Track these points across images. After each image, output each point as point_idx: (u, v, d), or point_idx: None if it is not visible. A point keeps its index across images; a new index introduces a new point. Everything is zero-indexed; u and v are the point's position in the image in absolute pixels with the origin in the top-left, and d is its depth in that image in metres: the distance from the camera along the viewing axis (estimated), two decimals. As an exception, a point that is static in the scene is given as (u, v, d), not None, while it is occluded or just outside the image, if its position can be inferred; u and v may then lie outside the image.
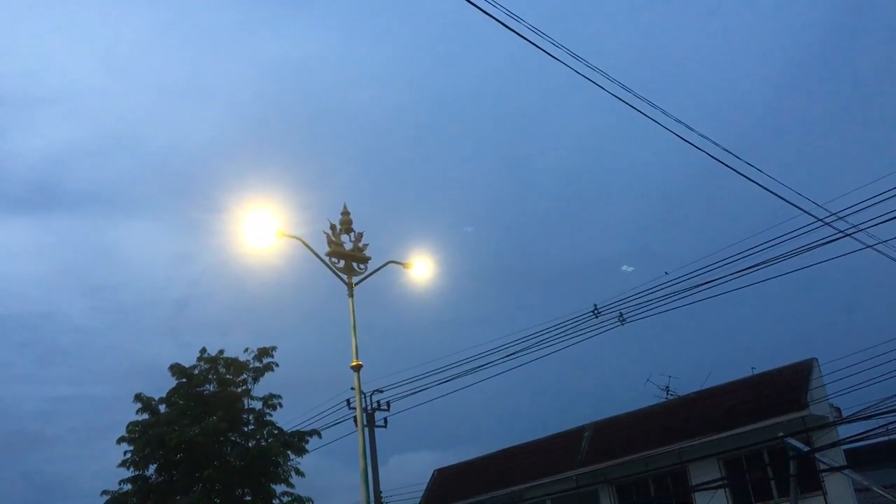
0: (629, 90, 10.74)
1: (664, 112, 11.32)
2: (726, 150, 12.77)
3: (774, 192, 13.54)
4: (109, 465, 24.07)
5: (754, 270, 17.87)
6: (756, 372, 24.99)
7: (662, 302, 19.79)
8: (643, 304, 20.27)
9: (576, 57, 10.03)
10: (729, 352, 57.61)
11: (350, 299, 14.72)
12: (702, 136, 12.04)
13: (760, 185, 13.41)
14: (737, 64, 75.32)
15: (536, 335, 22.12)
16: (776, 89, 72.25)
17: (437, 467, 32.99)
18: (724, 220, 64.00)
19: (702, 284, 18.90)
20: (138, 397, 24.04)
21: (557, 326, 21.79)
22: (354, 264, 15.02)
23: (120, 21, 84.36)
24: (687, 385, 28.90)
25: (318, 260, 14.69)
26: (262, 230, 14.13)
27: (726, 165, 12.76)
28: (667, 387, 29.42)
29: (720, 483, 22.93)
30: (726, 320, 59.64)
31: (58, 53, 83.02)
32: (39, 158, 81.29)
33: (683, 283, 19.25)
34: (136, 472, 23.33)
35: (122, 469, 23.37)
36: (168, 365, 24.23)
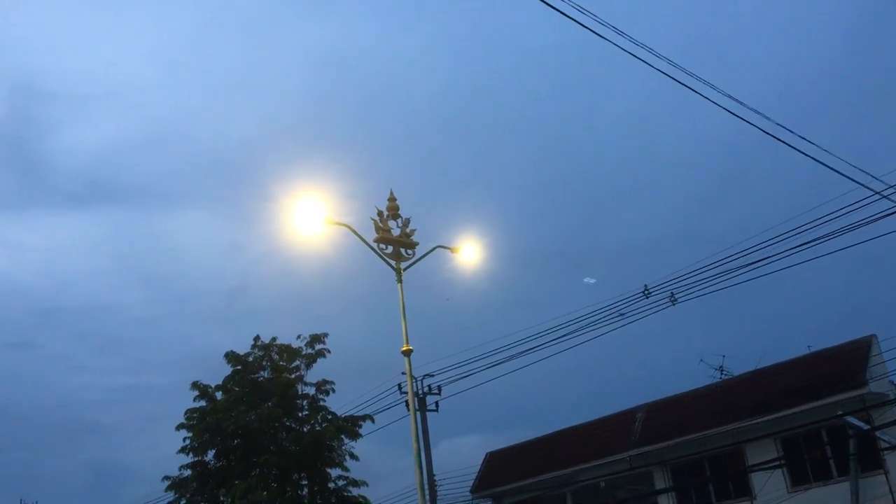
0: (677, 65, 10.54)
1: (713, 87, 11.09)
2: (778, 124, 12.46)
3: (829, 165, 13.18)
4: (167, 452, 24.73)
5: (809, 247, 17.50)
6: (813, 350, 24.50)
7: (715, 281, 19.51)
8: (695, 284, 20.01)
9: (621, 33, 9.87)
10: (784, 330, 56.50)
11: (399, 285, 14.79)
12: (752, 110, 11.77)
13: (814, 159, 13.07)
14: (789, 32, 73.31)
15: (587, 317, 22.00)
16: (831, 58, 70.15)
17: (489, 450, 33.11)
18: (778, 195, 62.60)
19: (755, 262, 18.57)
20: (195, 385, 24.54)
21: (608, 308, 21.64)
22: (402, 250, 15.09)
23: (166, 15, 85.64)
24: (741, 365, 28.43)
25: (366, 246, 14.79)
26: (312, 218, 14.25)
27: (778, 139, 12.47)
28: (720, 367, 29.00)
29: (777, 463, 22.58)
30: (781, 298, 58.36)
31: (108, 50, 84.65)
32: (93, 153, 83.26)
33: (736, 261, 18.95)
34: (196, 458, 23.88)
35: (182, 455, 23.98)
36: (223, 353, 24.73)
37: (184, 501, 23.97)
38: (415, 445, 14.10)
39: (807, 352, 24.63)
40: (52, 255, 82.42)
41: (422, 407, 28.11)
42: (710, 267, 19.58)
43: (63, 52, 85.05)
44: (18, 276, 78.46)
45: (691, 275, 20.05)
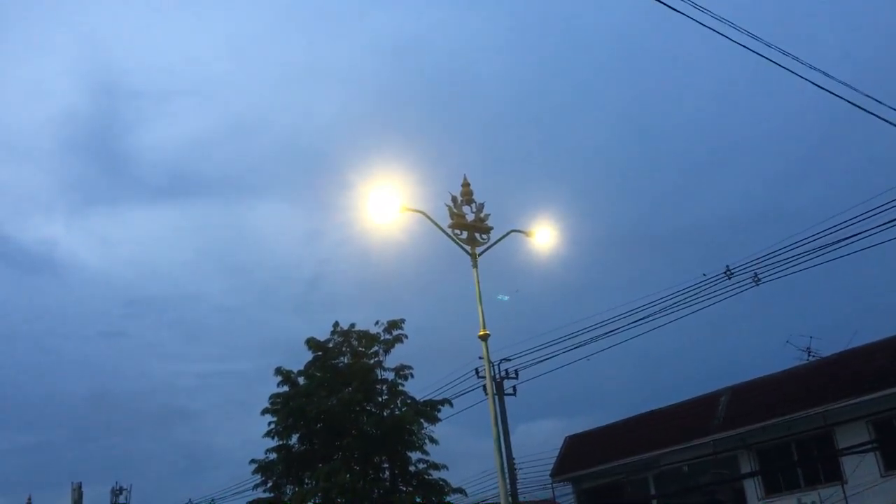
0: (758, 38, 10.19)
1: (797, 59, 10.68)
2: (866, 96, 11.93)
3: (923, 136, 12.55)
4: (253, 436, 25.35)
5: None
6: (907, 329, 23.52)
7: (800, 260, 18.90)
8: (779, 264, 19.42)
9: (699, 8, 9.60)
10: (875, 309, 54.25)
11: (474, 270, 14.79)
12: (839, 81, 11.29)
13: (906, 130, 12.46)
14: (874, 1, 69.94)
15: (667, 299, 21.64)
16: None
17: (568, 434, 32.96)
18: (866, 169, 60.02)
19: (843, 239, 17.92)
20: (279, 371, 25.08)
21: (688, 289, 21.24)
22: (477, 235, 15.06)
23: (242, 11, 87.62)
24: (830, 346, 27.52)
25: (440, 232, 14.82)
26: (387, 205, 14.36)
27: (867, 111, 11.94)
28: (808, 348, 28.16)
29: (870, 446, 21.82)
30: (871, 276, 56.06)
31: (188, 47, 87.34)
32: (177, 148, 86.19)
33: (823, 238, 18.31)
34: (281, 442, 24.45)
35: (268, 439, 24.57)
36: (303, 339, 25.19)
37: (270, 484, 24.60)
38: (494, 430, 14.11)
39: (900, 331, 23.67)
40: (141, 248, 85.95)
41: (499, 391, 28.16)
42: (795, 245, 19.01)
43: (145, 50, 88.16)
44: (109, 268, 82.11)
45: (775, 254, 19.48)
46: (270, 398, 24.85)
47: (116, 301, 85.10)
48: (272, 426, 24.45)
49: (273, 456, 24.42)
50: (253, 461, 24.68)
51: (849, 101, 11.35)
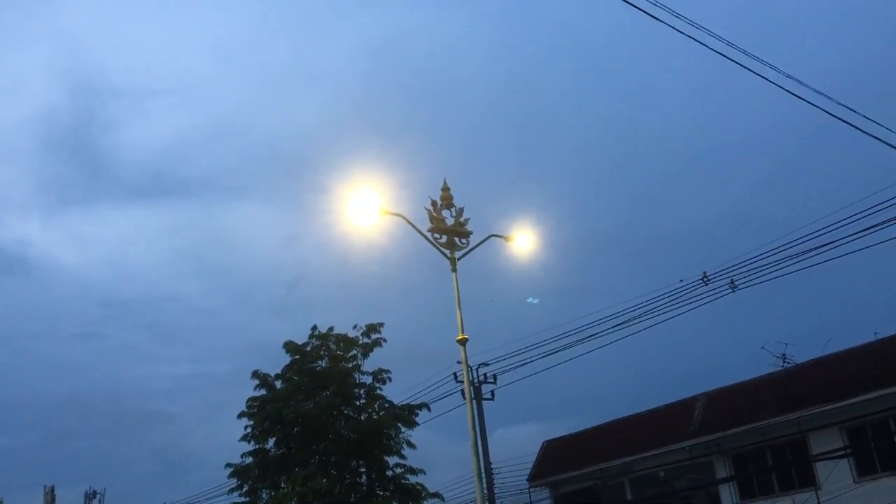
0: (735, 46, 10.29)
1: (773, 68, 10.79)
2: (841, 105, 12.08)
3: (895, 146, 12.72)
4: (230, 439, 25.13)
5: (875, 230, 16.97)
6: (880, 337, 23.79)
7: (777, 267, 19.06)
8: (756, 270, 19.58)
9: (677, 15, 9.67)
10: (850, 317, 54.91)
11: (453, 274, 14.79)
12: (815, 90, 11.42)
13: (879, 140, 12.64)
14: (851, 8, 70.87)
15: (644, 304, 21.73)
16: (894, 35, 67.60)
17: (546, 439, 33.02)
18: (842, 178, 60.72)
19: (819, 247, 18.09)
20: (255, 374, 24.90)
21: (666, 295, 21.34)
22: (456, 239, 15.06)
23: (224, 11, 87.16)
24: (805, 352, 27.78)
25: (420, 236, 14.82)
26: (367, 208, 14.32)
27: (842, 120, 12.09)
28: (783, 355, 28.38)
29: (843, 453, 22.04)
30: (846, 284, 56.73)
31: (168, 46, 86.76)
32: (156, 148, 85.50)
33: (799, 246, 18.48)
34: (257, 446, 24.27)
35: (244, 443, 24.37)
36: (281, 342, 25.05)
37: (246, 488, 24.40)
38: (471, 434, 14.10)
39: (873, 339, 23.97)
40: (117, 248, 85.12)
41: (477, 396, 28.14)
42: (771, 252, 19.16)
43: (125, 49, 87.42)
44: (85, 269, 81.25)
45: (752, 260, 19.64)
46: (247, 402, 24.67)
47: (92, 302, 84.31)
48: (249, 430, 24.25)
49: (249, 460, 24.22)
50: (229, 465, 24.47)
51: (824, 110, 11.49)
